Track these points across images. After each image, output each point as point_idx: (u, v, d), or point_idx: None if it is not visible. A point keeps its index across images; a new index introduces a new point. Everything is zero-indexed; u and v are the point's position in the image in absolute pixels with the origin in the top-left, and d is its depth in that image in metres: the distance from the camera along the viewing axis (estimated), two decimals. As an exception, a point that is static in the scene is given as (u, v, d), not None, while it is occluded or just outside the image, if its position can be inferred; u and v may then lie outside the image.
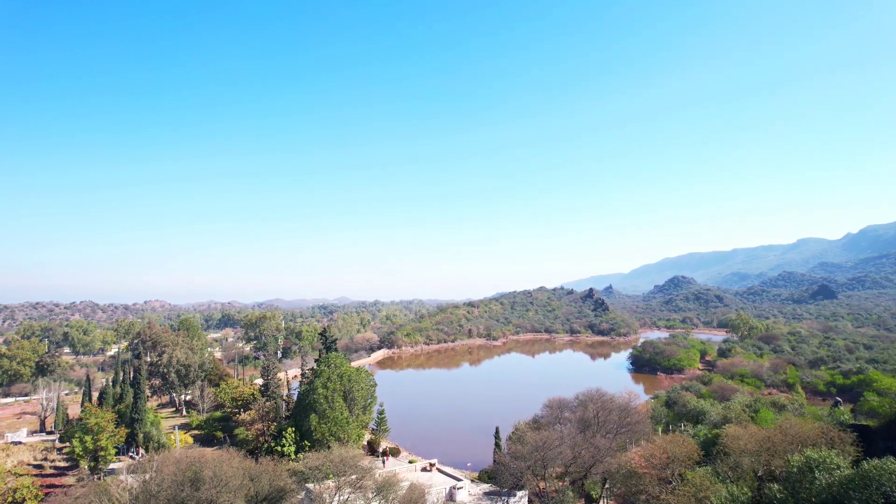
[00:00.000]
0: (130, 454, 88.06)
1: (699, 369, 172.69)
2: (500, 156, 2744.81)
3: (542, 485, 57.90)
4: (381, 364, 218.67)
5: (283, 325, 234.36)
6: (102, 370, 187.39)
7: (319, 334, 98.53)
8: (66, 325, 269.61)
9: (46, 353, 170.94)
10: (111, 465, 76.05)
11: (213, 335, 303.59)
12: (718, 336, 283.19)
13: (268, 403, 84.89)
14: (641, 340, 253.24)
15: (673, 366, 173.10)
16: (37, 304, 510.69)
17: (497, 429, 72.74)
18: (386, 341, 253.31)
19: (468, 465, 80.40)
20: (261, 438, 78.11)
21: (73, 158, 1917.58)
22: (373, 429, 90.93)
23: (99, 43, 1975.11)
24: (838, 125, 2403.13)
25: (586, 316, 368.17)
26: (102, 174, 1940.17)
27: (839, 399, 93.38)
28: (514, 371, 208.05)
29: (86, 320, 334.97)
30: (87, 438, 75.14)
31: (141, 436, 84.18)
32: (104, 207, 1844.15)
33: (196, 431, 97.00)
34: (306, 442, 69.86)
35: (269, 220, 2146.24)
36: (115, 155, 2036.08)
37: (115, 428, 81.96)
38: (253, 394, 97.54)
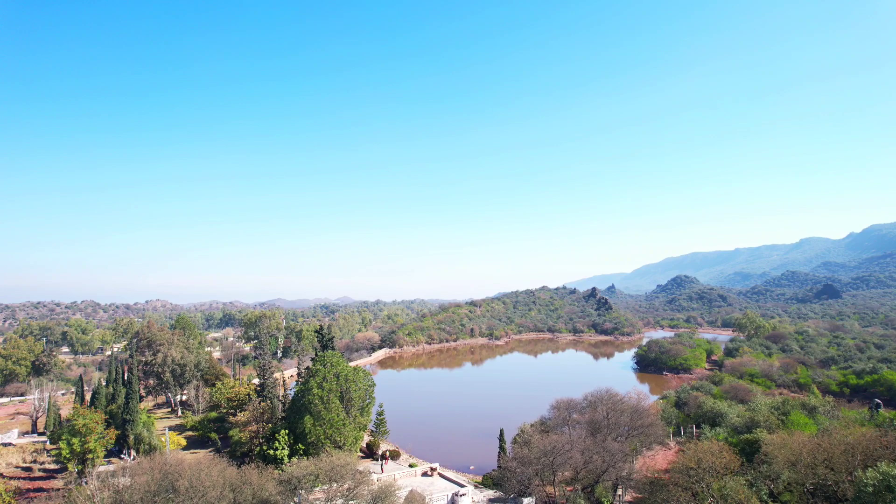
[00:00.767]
0: (122, 456, 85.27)
1: (706, 369, 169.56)
2: (503, 156, 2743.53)
3: (549, 489, 54.80)
4: (383, 363, 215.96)
5: (284, 325, 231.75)
6: (101, 370, 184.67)
7: (315, 331, 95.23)
8: (65, 325, 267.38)
9: (42, 352, 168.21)
10: (101, 468, 72.99)
11: (213, 334, 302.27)
12: (723, 335, 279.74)
13: (262, 404, 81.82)
14: (646, 340, 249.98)
15: (679, 365, 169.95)
16: (38, 303, 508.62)
17: (501, 431, 69.69)
18: (387, 341, 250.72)
19: (471, 468, 77.46)
20: (255, 441, 75.06)
21: (76, 159, 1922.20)
22: (372, 430, 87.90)
23: (101, 44, 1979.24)
24: (840, 125, 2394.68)
25: (589, 315, 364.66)
26: (105, 174, 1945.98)
27: (879, 401, 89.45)
28: (517, 371, 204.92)
29: (86, 320, 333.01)
30: (75, 441, 72.15)
31: (132, 437, 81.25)
32: (108, 208, 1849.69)
33: (190, 433, 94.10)
34: (300, 445, 66.42)
35: (272, 221, 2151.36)
36: (120, 156, 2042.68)
37: (105, 429, 79.12)
38: (249, 394, 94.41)
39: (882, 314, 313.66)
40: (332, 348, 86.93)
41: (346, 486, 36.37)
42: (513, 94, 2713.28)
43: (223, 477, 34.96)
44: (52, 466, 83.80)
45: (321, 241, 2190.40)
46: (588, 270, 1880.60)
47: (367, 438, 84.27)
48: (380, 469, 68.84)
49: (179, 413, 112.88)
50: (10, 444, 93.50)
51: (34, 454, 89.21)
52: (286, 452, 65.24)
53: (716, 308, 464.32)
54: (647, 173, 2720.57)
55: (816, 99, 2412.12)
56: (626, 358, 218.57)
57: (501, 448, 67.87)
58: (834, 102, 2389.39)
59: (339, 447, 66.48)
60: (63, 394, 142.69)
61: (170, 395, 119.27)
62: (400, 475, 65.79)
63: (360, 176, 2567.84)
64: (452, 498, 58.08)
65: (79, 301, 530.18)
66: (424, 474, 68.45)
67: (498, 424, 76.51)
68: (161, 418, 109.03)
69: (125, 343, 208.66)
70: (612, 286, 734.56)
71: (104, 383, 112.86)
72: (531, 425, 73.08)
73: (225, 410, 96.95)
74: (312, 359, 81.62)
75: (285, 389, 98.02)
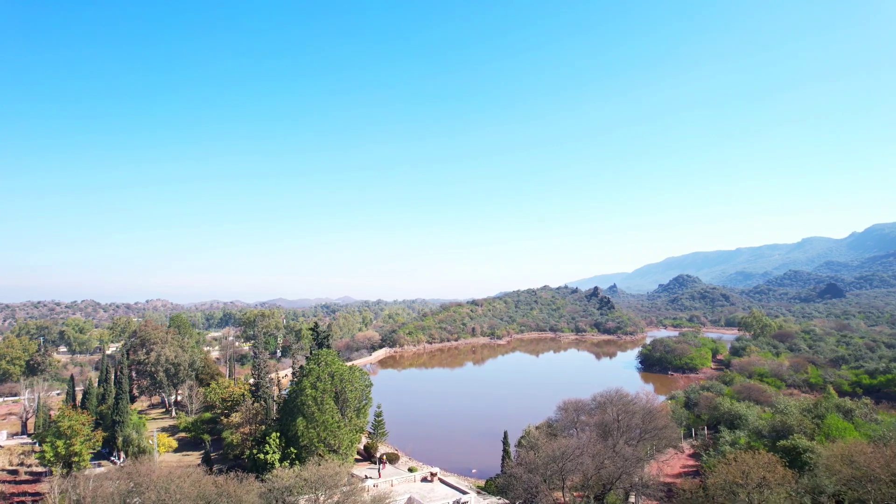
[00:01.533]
0: (112, 459, 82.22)
1: (713, 368, 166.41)
2: (505, 156, 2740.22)
3: (557, 494, 51.56)
4: (383, 363, 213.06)
5: (284, 324, 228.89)
6: (97, 369, 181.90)
7: (310, 329, 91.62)
8: (63, 324, 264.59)
9: (37, 351, 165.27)
10: (87, 471, 69.81)
11: (213, 334, 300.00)
12: (728, 335, 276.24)
13: (256, 405, 78.67)
14: (649, 339, 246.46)
15: (685, 364, 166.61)
16: (38, 303, 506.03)
17: (505, 434, 66.36)
18: (388, 340, 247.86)
19: (473, 471, 74.34)
20: (247, 443, 71.89)
21: (78, 159, 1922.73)
22: (369, 432, 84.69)
23: (103, 44, 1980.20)
24: (842, 125, 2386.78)
25: (591, 315, 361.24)
26: (107, 175, 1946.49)
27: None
28: (519, 370, 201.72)
29: (85, 319, 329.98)
30: (59, 443, 69.23)
31: (121, 439, 78.13)
32: (110, 208, 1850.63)
33: (183, 434, 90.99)
34: (293, 449, 62.80)
35: (274, 221, 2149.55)
36: (122, 156, 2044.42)
37: (93, 431, 76.09)
38: (243, 394, 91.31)
39: (888, 313, 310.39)
40: (328, 346, 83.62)
41: (335, 497, 32.96)
42: (514, 94, 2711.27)
43: (197, 488, 31.47)
44: (40, 469, 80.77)
45: (323, 242, 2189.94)
46: (589, 270, 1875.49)
47: (364, 441, 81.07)
48: (377, 474, 65.60)
49: (173, 414, 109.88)
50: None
51: (21, 456, 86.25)
52: (277, 457, 61.48)
53: (718, 307, 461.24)
54: (648, 173, 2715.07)
55: (818, 99, 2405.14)
56: (629, 357, 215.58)
57: (506, 452, 64.61)
58: (836, 102, 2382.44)
59: (334, 450, 63.20)
60: (58, 394, 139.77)
61: (164, 395, 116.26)
62: (398, 481, 62.59)
63: (361, 176, 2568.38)
64: (454, 505, 54.86)
65: (79, 301, 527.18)
66: (424, 479, 65.20)
67: (500, 425, 73.42)
68: (154, 419, 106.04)
69: (122, 342, 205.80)
70: (614, 286, 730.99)
71: (96, 383, 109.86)
72: (537, 427, 69.86)
73: (219, 411, 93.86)
74: (307, 357, 78.39)
75: (280, 389, 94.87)
